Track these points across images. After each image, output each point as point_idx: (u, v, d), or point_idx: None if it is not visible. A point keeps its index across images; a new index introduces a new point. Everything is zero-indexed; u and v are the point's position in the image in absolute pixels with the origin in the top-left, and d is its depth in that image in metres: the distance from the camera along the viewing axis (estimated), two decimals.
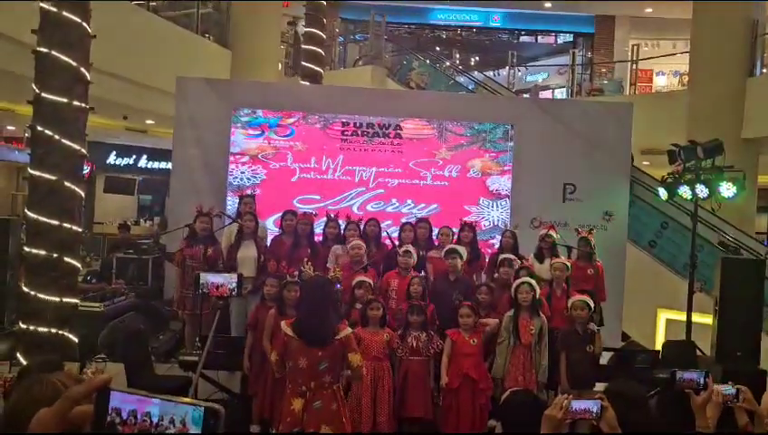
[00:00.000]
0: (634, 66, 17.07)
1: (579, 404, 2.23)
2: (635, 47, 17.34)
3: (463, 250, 6.47)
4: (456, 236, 7.06)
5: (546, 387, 5.84)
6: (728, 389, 2.94)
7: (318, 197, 8.53)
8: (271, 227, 7.84)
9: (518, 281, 5.90)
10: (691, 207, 8.13)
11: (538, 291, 5.83)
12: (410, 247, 6.47)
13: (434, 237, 7.18)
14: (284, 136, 8.66)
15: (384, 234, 7.23)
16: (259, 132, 8.66)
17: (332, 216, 7.25)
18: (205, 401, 0.92)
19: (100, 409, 0.89)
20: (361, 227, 7.05)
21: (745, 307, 6.75)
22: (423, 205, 8.60)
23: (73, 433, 0.88)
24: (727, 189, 7.26)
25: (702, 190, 7.43)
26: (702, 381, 3.04)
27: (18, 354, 5.82)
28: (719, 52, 11.41)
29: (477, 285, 6.51)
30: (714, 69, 11.43)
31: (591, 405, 2.23)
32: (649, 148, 12.43)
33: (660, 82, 18.30)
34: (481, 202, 8.68)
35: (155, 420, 0.89)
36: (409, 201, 8.64)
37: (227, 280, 5.53)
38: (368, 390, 5.25)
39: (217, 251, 6.84)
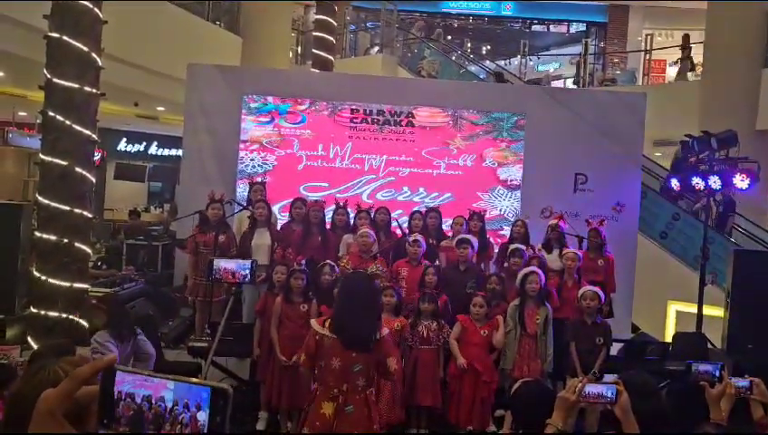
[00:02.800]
0: (647, 56, 16.92)
1: (593, 388, 2.21)
2: (648, 37, 17.18)
3: (474, 240, 6.45)
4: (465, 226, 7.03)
5: (552, 377, 5.83)
6: (742, 381, 2.92)
7: (326, 184, 8.51)
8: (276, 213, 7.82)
9: (526, 270, 5.88)
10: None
11: (543, 280, 5.82)
12: (419, 236, 6.45)
13: (443, 227, 7.16)
14: (295, 123, 8.63)
15: (394, 223, 7.21)
16: (268, 119, 8.64)
17: (341, 203, 7.23)
18: (212, 382, 0.91)
19: (106, 389, 0.88)
20: (372, 215, 7.03)
21: (757, 300, 6.69)
22: (436, 194, 8.56)
23: (80, 413, 0.87)
24: (741, 181, 7.19)
25: (715, 182, 7.36)
26: (717, 373, 3.02)
27: (29, 339, 5.86)
28: (734, 42, 11.30)
29: (488, 275, 6.50)
30: (728, 59, 11.32)
31: (605, 390, 2.22)
32: (662, 138, 12.33)
33: (674, 73, 18.14)
34: (491, 191, 8.64)
35: (169, 404, 0.88)
36: (422, 190, 8.60)
37: (241, 266, 5.53)
38: None
39: (230, 238, 6.85)
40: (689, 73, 14.74)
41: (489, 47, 22.60)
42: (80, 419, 0.87)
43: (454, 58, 16.61)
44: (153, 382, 0.89)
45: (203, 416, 0.87)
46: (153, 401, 0.88)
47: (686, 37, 15.31)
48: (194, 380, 0.90)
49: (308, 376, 4.12)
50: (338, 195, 8.00)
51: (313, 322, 4.04)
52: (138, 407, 0.88)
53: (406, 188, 8.61)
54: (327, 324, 3.87)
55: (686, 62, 14.99)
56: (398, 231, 7.17)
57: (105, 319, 5.01)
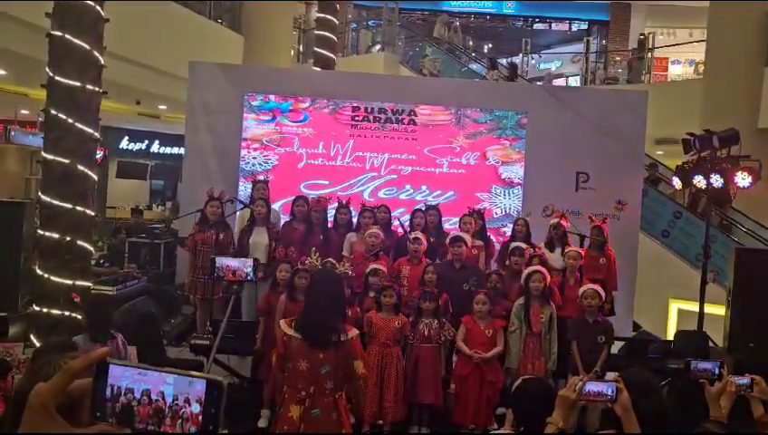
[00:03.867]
0: (649, 55, 16.91)
1: (593, 387, 2.22)
2: (650, 35, 17.16)
3: (468, 237, 6.44)
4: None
5: (555, 375, 5.84)
6: (742, 379, 2.92)
7: (327, 182, 8.50)
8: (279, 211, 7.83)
9: (530, 269, 5.88)
10: None
11: (548, 279, 5.82)
12: (419, 234, 6.46)
13: (447, 226, 7.17)
14: (297, 121, 8.62)
15: (396, 223, 7.21)
16: (270, 117, 8.64)
17: (344, 202, 7.23)
18: (207, 374, 0.91)
19: (99, 382, 0.89)
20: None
21: (759, 298, 6.69)
22: (439, 192, 8.55)
23: (72, 406, 0.88)
24: (743, 179, 7.19)
25: (717, 180, 7.36)
26: (716, 371, 3.02)
27: (32, 336, 5.87)
28: (736, 40, 11.28)
29: (488, 272, 6.51)
30: (730, 58, 11.31)
31: (606, 388, 2.22)
32: (664, 137, 12.33)
33: (675, 71, 18.14)
34: (493, 190, 8.64)
35: (169, 399, 0.88)
36: (424, 188, 8.58)
37: (243, 265, 5.54)
38: (373, 373, 5.24)
39: (229, 236, 6.85)
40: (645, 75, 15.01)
41: (491, 45, 22.57)
42: (72, 412, 0.88)
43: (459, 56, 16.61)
44: (152, 377, 0.89)
45: (197, 408, 0.88)
46: (152, 396, 0.88)
47: (642, 41, 15.68)
48: (189, 372, 0.90)
49: (279, 378, 4.07)
50: (339, 193, 7.99)
51: (282, 322, 4.00)
52: (128, 402, 0.88)
53: (408, 187, 8.59)
54: (293, 325, 3.85)
55: (641, 61, 15.26)
56: (400, 229, 7.18)
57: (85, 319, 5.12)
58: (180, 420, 0.88)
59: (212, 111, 8.55)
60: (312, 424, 3.73)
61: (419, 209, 7.27)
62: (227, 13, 13.66)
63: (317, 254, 5.72)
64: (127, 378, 0.89)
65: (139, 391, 0.89)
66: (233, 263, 5.58)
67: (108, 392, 0.89)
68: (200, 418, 0.87)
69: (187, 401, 0.88)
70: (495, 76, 13.65)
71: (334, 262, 5.78)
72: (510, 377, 5.66)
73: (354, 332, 3.93)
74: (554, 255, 6.82)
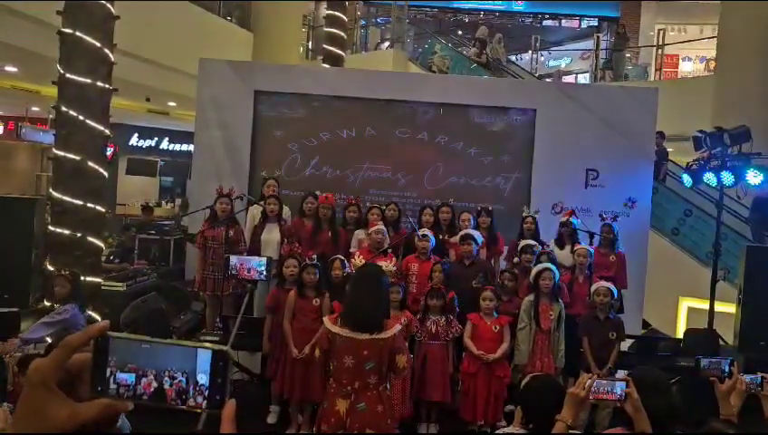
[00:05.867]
0: (660, 51, 16.82)
1: (603, 385, 2.22)
2: (661, 32, 17.08)
3: (478, 235, 6.44)
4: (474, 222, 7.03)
5: (564, 372, 5.83)
6: (753, 377, 2.91)
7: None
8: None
9: (540, 266, 5.88)
10: (716, 195, 8.02)
11: (558, 276, 5.81)
12: (427, 231, 6.46)
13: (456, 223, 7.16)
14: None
15: (408, 225, 7.20)
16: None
17: (353, 199, 7.24)
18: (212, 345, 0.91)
19: (100, 356, 0.89)
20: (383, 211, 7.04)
21: None
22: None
23: (71, 381, 0.88)
24: (754, 177, 7.14)
25: (728, 177, 7.32)
26: (727, 368, 3.01)
27: None
28: (747, 37, 11.20)
29: (502, 270, 6.51)
30: (741, 54, 11.23)
31: (615, 387, 2.22)
32: (674, 134, 12.26)
33: (686, 68, 18.04)
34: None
35: (173, 372, 0.88)
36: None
37: (257, 264, 5.56)
38: None
39: (238, 233, 6.87)
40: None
41: (480, 26, 22.48)
42: (72, 387, 0.87)
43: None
44: (156, 350, 0.89)
45: (203, 378, 0.88)
46: (156, 369, 0.88)
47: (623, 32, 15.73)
48: (193, 343, 0.91)
49: (321, 371, 4.20)
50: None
51: (326, 319, 4.11)
52: (131, 375, 0.88)
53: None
54: (339, 322, 3.95)
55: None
56: (408, 227, 7.17)
57: (69, 289, 5.48)
58: (186, 392, 0.88)
59: (221, 108, 8.57)
60: (357, 417, 3.88)
61: (428, 206, 7.27)
62: (237, 10, 13.70)
63: (360, 256, 5.79)
64: (129, 352, 0.89)
65: (143, 364, 0.89)
66: (246, 262, 5.60)
67: (110, 366, 0.89)
68: (206, 389, 0.88)
69: (193, 372, 0.88)
70: (476, 55, 13.85)
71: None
72: (519, 374, 5.65)
73: (397, 326, 4.03)
74: (564, 252, 6.80)
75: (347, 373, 3.89)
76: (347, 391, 3.90)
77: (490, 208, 7.27)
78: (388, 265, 5.51)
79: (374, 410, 3.90)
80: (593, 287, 5.74)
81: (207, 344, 0.90)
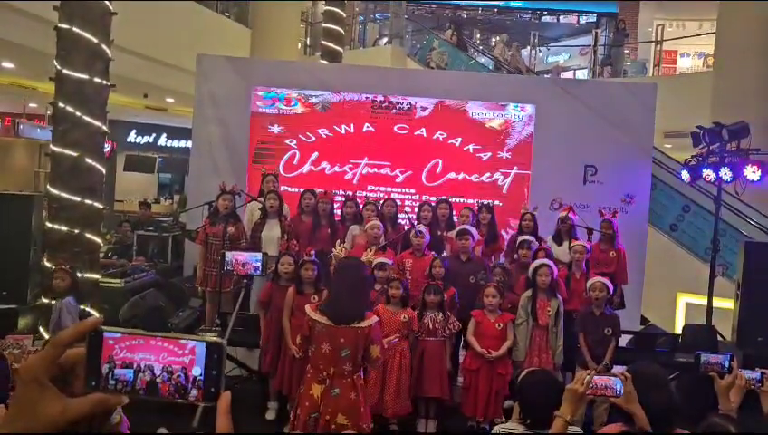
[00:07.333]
0: (658, 47, 16.80)
1: (601, 381, 2.21)
2: (659, 28, 17.06)
3: (474, 231, 6.43)
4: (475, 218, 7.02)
5: (562, 368, 5.83)
6: (753, 373, 2.90)
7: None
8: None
9: (537, 262, 5.87)
10: (714, 191, 8.02)
11: (555, 272, 5.81)
12: (423, 228, 6.45)
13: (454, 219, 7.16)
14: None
15: (406, 221, 7.19)
16: (270, 104, 8.67)
17: (350, 195, 7.23)
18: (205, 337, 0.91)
19: (93, 351, 0.88)
20: (379, 207, 7.04)
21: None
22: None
23: (64, 377, 0.87)
24: (753, 173, 7.14)
25: (726, 173, 7.31)
26: (726, 364, 3.00)
27: (41, 328, 5.90)
28: (745, 33, 11.18)
29: (492, 265, 6.49)
30: (740, 50, 11.21)
31: (614, 383, 2.22)
32: (673, 130, 12.26)
33: (684, 64, 18.02)
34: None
35: (168, 365, 0.87)
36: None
37: (252, 259, 5.55)
38: None
39: (240, 229, 6.85)
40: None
41: (498, 38, 22.47)
42: (65, 382, 0.87)
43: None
44: (150, 343, 0.88)
45: (198, 371, 0.87)
46: (151, 362, 0.88)
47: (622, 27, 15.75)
48: (187, 336, 0.90)
49: (301, 359, 4.45)
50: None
51: (307, 307, 4.31)
52: (125, 369, 0.87)
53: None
54: (318, 309, 4.17)
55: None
56: (407, 223, 7.17)
57: (69, 282, 5.54)
58: (180, 384, 0.87)
59: (219, 104, 8.56)
60: (331, 402, 4.07)
61: (427, 202, 7.27)
62: (235, 6, 13.67)
63: (342, 246, 5.80)
64: (123, 346, 0.88)
65: (137, 357, 0.88)
66: (242, 257, 5.59)
67: (104, 361, 0.88)
68: (201, 381, 0.87)
69: (189, 364, 0.87)
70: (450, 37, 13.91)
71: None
72: (517, 370, 5.65)
73: (374, 318, 4.22)
74: (562, 248, 6.79)
75: (323, 359, 4.09)
76: (322, 377, 4.10)
77: (491, 205, 7.27)
78: (370, 258, 5.53)
79: (347, 397, 4.09)
80: (589, 283, 5.73)
81: (201, 337, 0.89)
